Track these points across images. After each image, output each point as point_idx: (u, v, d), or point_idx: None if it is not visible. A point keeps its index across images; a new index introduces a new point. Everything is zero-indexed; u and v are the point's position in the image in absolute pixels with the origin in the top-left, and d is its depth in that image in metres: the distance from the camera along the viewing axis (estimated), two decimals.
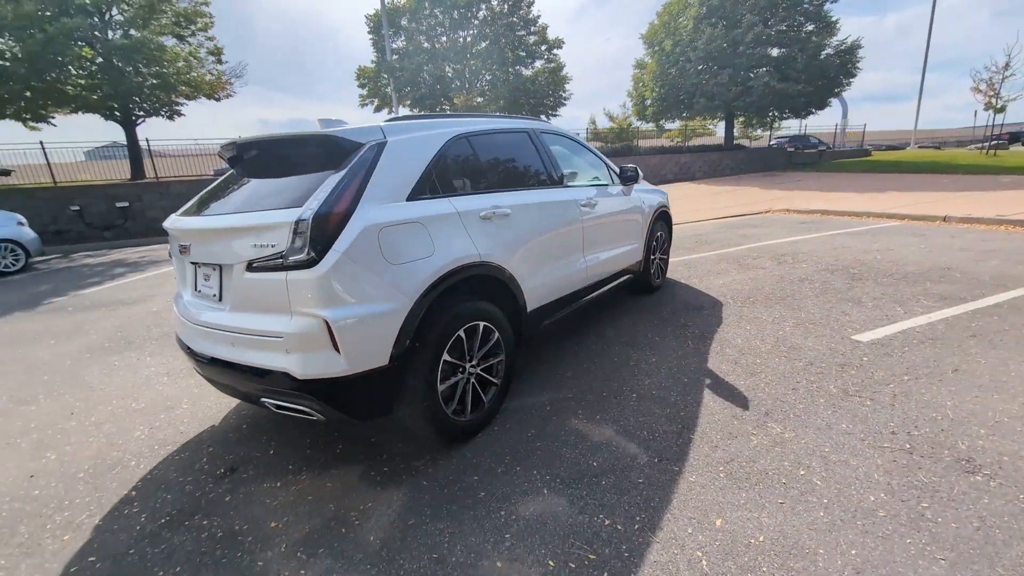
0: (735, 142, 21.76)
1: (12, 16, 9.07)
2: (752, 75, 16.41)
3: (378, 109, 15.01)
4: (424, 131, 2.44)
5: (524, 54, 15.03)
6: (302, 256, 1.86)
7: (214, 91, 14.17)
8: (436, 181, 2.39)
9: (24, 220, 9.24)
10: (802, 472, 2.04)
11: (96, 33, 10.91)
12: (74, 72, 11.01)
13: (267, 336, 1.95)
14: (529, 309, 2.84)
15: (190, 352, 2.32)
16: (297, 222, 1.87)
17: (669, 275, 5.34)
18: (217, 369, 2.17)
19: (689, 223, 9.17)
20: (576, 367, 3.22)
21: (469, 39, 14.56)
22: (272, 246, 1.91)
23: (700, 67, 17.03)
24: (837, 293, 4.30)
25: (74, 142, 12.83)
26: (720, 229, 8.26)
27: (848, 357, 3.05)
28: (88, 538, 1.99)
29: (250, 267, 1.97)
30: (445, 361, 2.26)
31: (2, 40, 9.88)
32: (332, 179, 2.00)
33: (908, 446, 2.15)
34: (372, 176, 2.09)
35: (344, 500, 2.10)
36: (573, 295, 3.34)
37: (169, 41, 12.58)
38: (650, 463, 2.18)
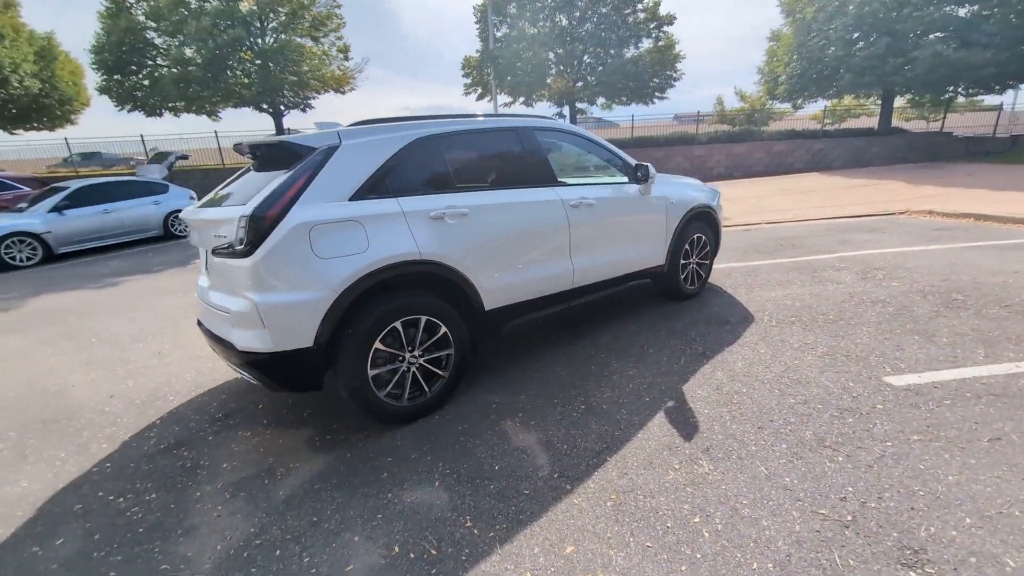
0: (893, 125, 17.95)
1: (195, 30, 11.49)
2: (918, 42, 13.16)
3: (480, 98, 15.60)
4: (384, 135, 2.62)
5: (628, 34, 14.16)
6: (241, 247, 2.20)
7: (340, 85, 16.13)
8: (388, 182, 2.56)
9: (195, 195, 11.64)
10: (696, 520, 1.83)
11: (252, 40, 13.16)
12: (238, 73, 13.51)
13: (223, 311, 2.36)
14: (488, 308, 2.90)
15: (199, 323, 2.87)
16: (239, 218, 2.21)
17: (719, 282, 4.85)
18: (207, 337, 2.68)
19: (786, 223, 8.03)
20: (547, 370, 3.20)
21: (572, 22, 14.17)
22: (225, 237, 2.28)
23: (849, 36, 14.23)
24: (909, 322, 3.51)
25: (241, 132, 15.71)
26: (821, 232, 7.10)
27: (859, 402, 2.54)
28: (114, 449, 2.65)
29: (214, 252, 2.38)
30: (378, 349, 2.46)
31: (190, 50, 12.53)
32: (277, 181, 2.30)
33: (849, 518, 1.78)
34: (315, 178, 2.34)
35: (282, 457, 2.46)
36: (555, 297, 3.29)
37: (306, 42, 14.68)
38: (548, 477, 2.15)
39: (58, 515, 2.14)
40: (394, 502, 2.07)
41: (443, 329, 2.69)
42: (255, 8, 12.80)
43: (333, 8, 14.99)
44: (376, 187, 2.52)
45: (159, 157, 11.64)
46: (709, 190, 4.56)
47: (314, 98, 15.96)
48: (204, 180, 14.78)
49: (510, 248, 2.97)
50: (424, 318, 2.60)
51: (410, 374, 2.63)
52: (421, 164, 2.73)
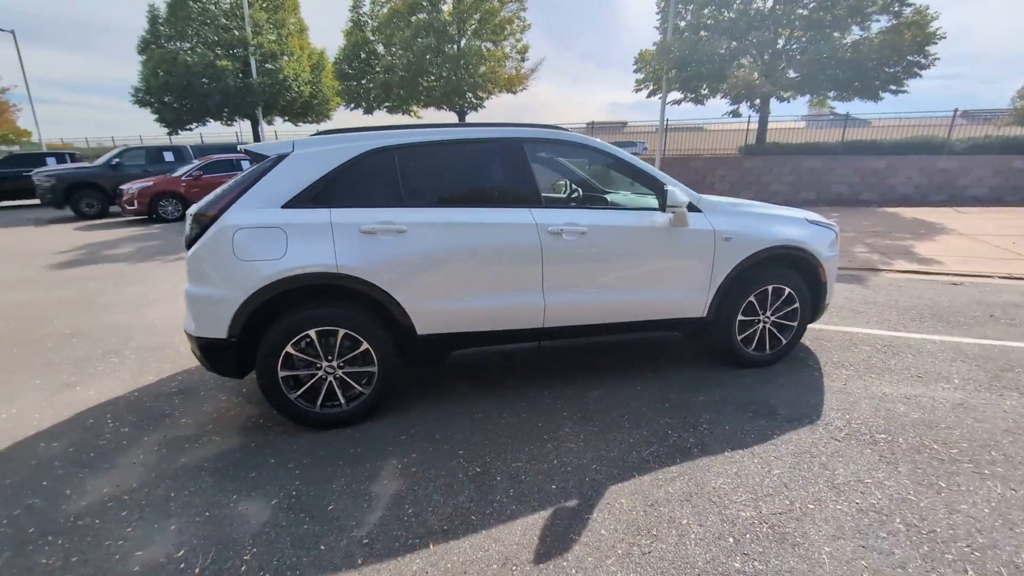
0: None
1: (399, 40, 13.59)
2: None
3: (652, 94, 14.42)
4: (336, 144, 2.63)
5: (851, 14, 10.86)
6: (187, 239, 2.51)
7: (512, 86, 16.94)
8: (331, 192, 2.57)
9: None
10: None
11: (441, 47, 14.83)
12: (430, 78, 15.48)
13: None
14: (421, 332, 2.69)
15: None
16: (188, 215, 2.52)
17: (824, 352, 3.54)
18: None
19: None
20: (491, 414, 2.81)
21: (776, 2, 11.69)
22: (188, 230, 2.62)
23: None
24: None
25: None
26: None
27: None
28: (143, 384, 3.37)
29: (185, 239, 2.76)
30: (289, 353, 2.54)
31: (396, 58, 14.90)
32: (225, 185, 2.53)
33: None
34: (256, 184, 2.51)
35: (214, 429, 2.77)
36: (517, 333, 2.86)
37: (487, 46, 15.81)
38: (356, 539, 1.90)
39: (61, 426, 2.85)
40: (228, 505, 2.13)
41: (364, 345, 2.61)
42: (449, 18, 14.45)
43: (519, 11, 15.83)
44: (317, 196, 2.56)
45: None
46: (811, 226, 3.30)
47: (487, 99, 17.26)
48: None
49: (454, 272, 2.68)
50: (342, 331, 2.57)
51: (326, 383, 2.64)
52: (370, 176, 2.66)
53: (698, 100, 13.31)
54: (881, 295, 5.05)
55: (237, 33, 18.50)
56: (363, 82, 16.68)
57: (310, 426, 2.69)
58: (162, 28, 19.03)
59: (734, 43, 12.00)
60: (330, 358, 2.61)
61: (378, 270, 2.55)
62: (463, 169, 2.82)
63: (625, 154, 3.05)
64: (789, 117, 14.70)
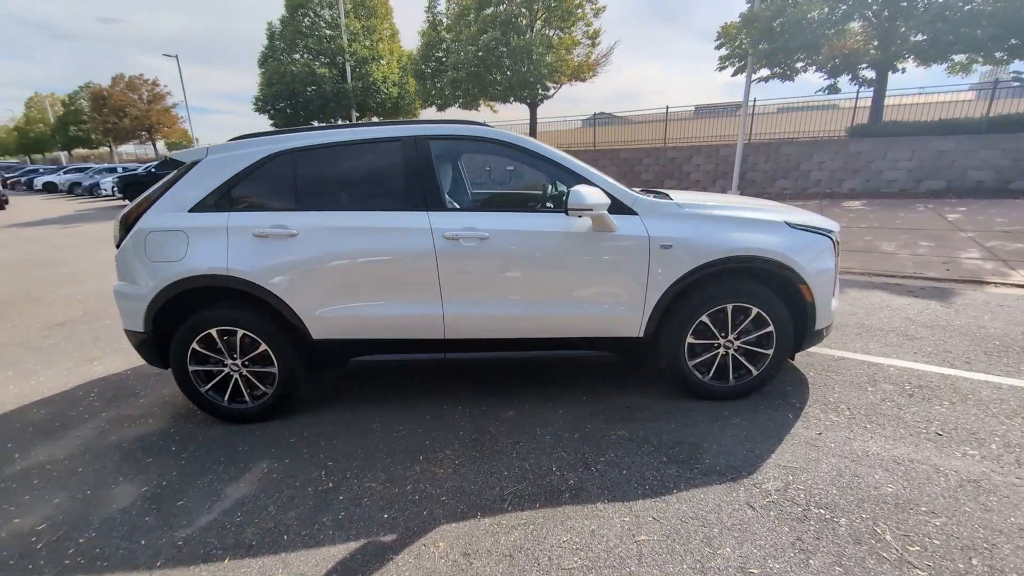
0: None
1: (466, 36, 13.70)
2: None
3: (737, 72, 12.73)
4: (243, 149, 2.69)
5: None
6: (117, 242, 2.76)
7: (580, 74, 16.13)
8: (234, 196, 2.65)
9: None
10: None
11: (506, 39, 14.64)
12: (494, 71, 15.44)
13: None
14: (316, 337, 2.67)
15: None
16: (117, 218, 2.77)
17: (828, 394, 2.86)
18: None
19: None
20: (391, 430, 2.70)
21: None
22: (116, 232, 2.87)
23: None
24: None
25: (507, 122, 18.03)
26: None
27: None
28: (139, 364, 3.83)
29: None
30: (195, 349, 2.69)
31: (465, 53, 15.13)
32: (149, 190, 2.74)
33: None
34: (169, 189, 2.67)
35: (167, 405, 3.05)
36: (418, 343, 2.71)
37: (555, 34, 15.25)
38: (165, 537, 1.94)
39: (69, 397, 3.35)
40: (110, 487, 2.32)
41: (263, 347, 2.67)
42: (518, 8, 14.24)
43: None
44: (220, 201, 2.65)
45: None
46: (791, 232, 2.63)
47: (555, 89, 16.69)
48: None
49: (346, 278, 2.61)
50: (240, 331, 2.65)
51: (232, 380, 2.76)
52: (270, 180, 2.68)
53: (787, 75, 11.46)
54: (961, 317, 3.92)
55: (336, 43, 20.26)
56: (434, 82, 17.28)
57: (222, 419, 2.83)
58: (278, 43, 21.58)
59: (842, 5, 10.05)
60: (234, 356, 2.71)
61: (268, 274, 2.57)
62: (360, 171, 2.72)
63: (545, 148, 2.69)
64: (909, 90, 11.93)
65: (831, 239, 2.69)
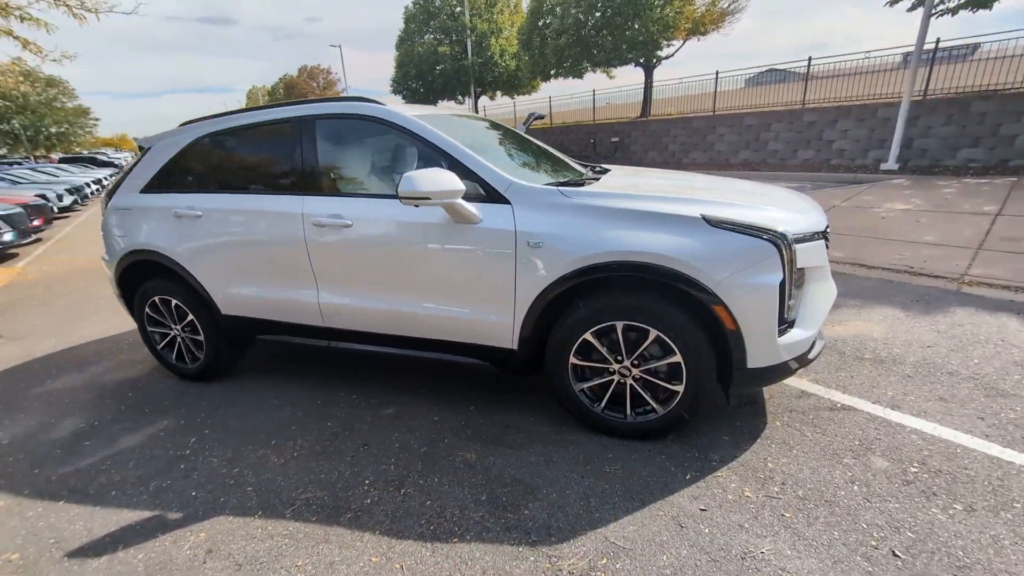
0: None
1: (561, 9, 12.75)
2: None
3: (914, 7, 9.47)
4: (181, 134, 2.92)
5: None
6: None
7: (702, 28, 13.62)
8: (169, 178, 2.92)
9: None
10: None
11: None
12: (600, 32, 14.05)
13: None
14: (224, 312, 2.85)
15: None
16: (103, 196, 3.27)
17: (761, 452, 2.12)
18: None
19: None
20: (280, 409, 2.80)
21: None
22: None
23: None
24: None
25: (616, 88, 16.72)
26: None
27: None
28: None
29: None
30: (148, 313, 3.10)
31: (568, 17, 14.12)
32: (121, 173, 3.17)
33: None
34: (130, 173, 3.06)
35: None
36: (303, 328, 2.71)
37: None
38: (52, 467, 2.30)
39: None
40: (52, 418, 2.85)
41: (190, 316, 2.96)
42: None
43: None
44: (161, 183, 2.95)
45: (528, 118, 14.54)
46: (708, 230, 1.90)
47: (672, 46, 14.48)
48: (567, 135, 17.19)
49: (238, 258, 2.71)
50: (174, 301, 2.97)
51: (176, 343, 3.12)
52: (195, 162, 2.88)
53: (982, 1, 8.15)
54: None
55: (459, 20, 20.91)
56: (542, 50, 16.64)
57: (174, 374, 3.24)
58: (412, 25, 23.14)
59: None
60: (175, 323, 3.06)
61: (182, 251, 2.81)
62: (258, 153, 2.75)
63: (422, 128, 2.33)
64: None
65: (777, 245, 1.87)
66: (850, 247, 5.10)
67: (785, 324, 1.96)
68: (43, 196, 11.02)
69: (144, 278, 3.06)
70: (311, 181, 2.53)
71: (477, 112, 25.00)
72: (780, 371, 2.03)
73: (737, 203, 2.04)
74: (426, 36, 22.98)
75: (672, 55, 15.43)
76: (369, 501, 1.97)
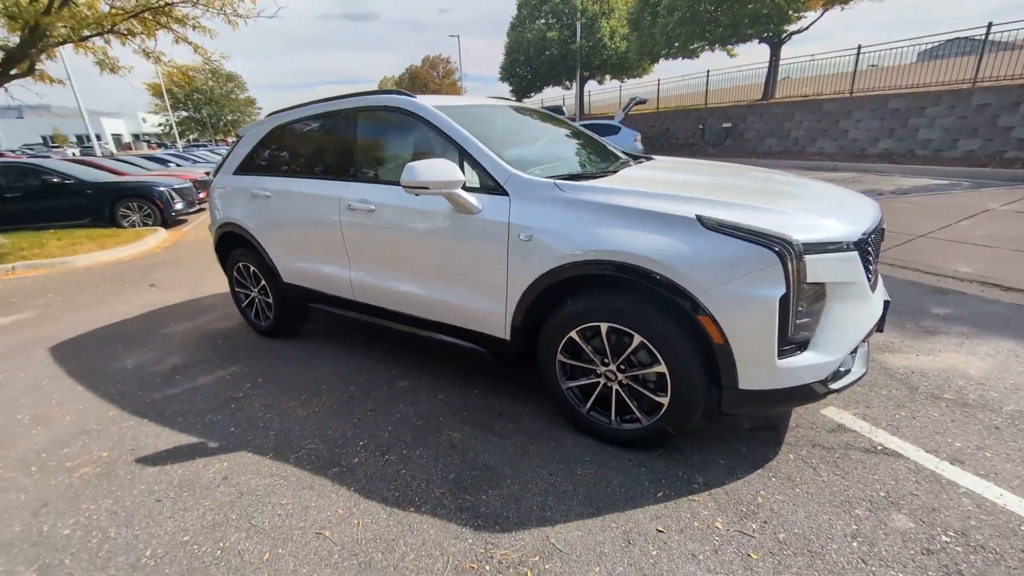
0: None
1: None
2: None
3: None
4: (263, 125, 3.39)
5: None
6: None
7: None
8: (252, 162, 3.42)
9: (639, 136, 13.28)
10: None
11: None
12: (712, 8, 12.58)
13: None
14: (284, 280, 3.28)
15: None
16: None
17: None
18: None
19: None
20: (314, 372, 3.17)
21: None
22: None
23: None
24: None
25: (732, 68, 15.14)
26: None
27: None
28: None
29: None
30: (235, 277, 3.70)
31: None
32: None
33: None
34: (228, 157, 3.63)
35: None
36: (341, 300, 3.01)
37: None
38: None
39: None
40: (116, 359, 3.55)
41: (263, 282, 3.48)
42: None
43: None
44: (246, 166, 3.47)
45: (628, 104, 13.84)
46: (701, 233, 1.72)
47: (799, 19, 12.35)
48: (675, 120, 16.04)
49: (294, 234, 3.09)
50: (252, 267, 3.50)
51: (256, 303, 3.68)
52: (269, 149, 3.33)
53: None
54: None
55: (570, 3, 20.53)
56: (651, 31, 15.55)
57: (253, 329, 3.84)
58: (523, 11, 23.29)
59: None
60: (253, 286, 3.61)
61: (256, 225, 3.29)
62: (313, 142, 3.07)
63: (437, 118, 2.41)
64: None
65: (779, 253, 1.62)
66: (985, 262, 4.14)
67: (791, 345, 1.71)
68: (210, 173, 13.47)
69: (233, 246, 3.65)
70: (350, 168, 2.79)
71: (582, 96, 24.50)
72: (783, 397, 1.79)
73: (743, 203, 1.82)
74: (538, 21, 22.97)
75: (806, 28, 13.47)
76: (356, 460, 2.19)
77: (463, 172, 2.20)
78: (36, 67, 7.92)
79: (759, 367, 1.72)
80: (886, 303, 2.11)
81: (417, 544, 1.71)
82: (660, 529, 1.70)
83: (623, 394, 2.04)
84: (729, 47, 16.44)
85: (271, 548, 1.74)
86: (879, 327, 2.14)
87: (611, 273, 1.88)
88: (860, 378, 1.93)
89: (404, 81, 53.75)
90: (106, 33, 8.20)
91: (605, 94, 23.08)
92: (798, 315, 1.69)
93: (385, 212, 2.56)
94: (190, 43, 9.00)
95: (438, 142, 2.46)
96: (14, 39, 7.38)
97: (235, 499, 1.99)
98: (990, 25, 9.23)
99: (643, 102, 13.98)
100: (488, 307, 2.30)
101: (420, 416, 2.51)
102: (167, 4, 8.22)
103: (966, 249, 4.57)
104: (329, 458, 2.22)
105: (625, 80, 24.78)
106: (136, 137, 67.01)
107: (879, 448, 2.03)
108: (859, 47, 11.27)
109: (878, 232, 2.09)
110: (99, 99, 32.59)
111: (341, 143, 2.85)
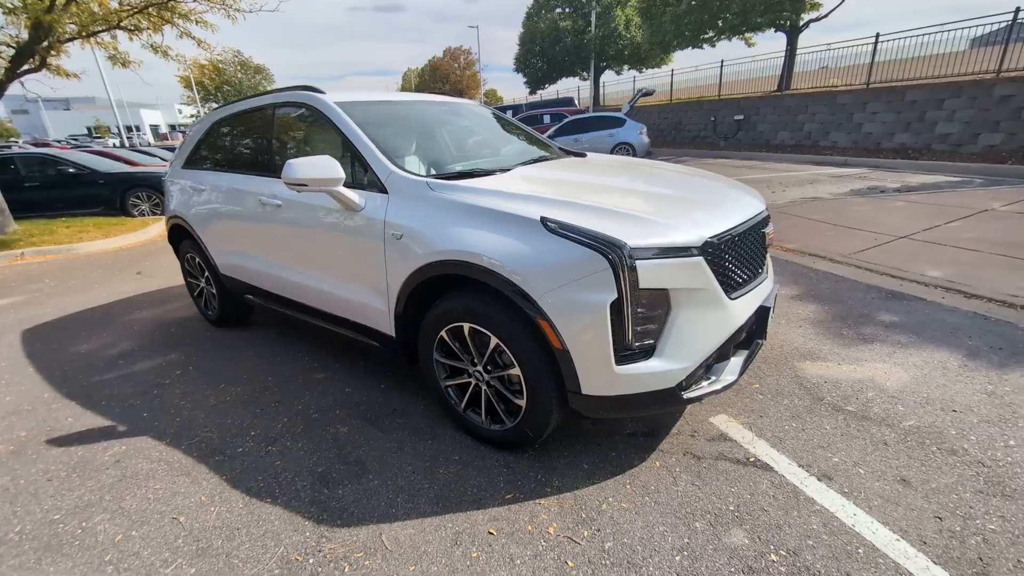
0: None
1: None
2: None
3: None
4: (204, 121, 3.48)
5: None
6: None
7: None
8: (196, 157, 3.53)
9: (644, 129, 12.98)
10: None
11: None
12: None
13: None
14: (221, 272, 3.37)
15: None
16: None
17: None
18: None
19: None
20: (239, 363, 3.26)
21: None
22: None
23: None
24: None
25: (745, 57, 14.57)
26: None
27: None
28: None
29: None
30: (185, 268, 3.84)
31: None
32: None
33: None
34: (179, 151, 3.75)
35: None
36: (267, 295, 3.08)
37: None
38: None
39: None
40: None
41: (207, 273, 3.59)
42: None
43: None
44: (191, 160, 3.58)
45: (636, 94, 13.51)
46: (541, 235, 1.68)
47: (818, 6, 11.59)
48: (684, 112, 15.59)
49: (223, 227, 3.18)
50: (197, 258, 3.62)
51: (203, 295, 3.81)
52: (206, 145, 3.42)
53: None
54: None
55: None
56: (660, 19, 15.05)
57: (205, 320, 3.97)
58: (539, 0, 22.96)
59: None
60: (200, 277, 3.73)
61: (192, 217, 3.40)
62: (242, 138, 3.13)
63: (340, 117, 2.41)
64: None
65: (609, 258, 1.57)
66: (958, 266, 3.90)
67: (630, 352, 1.67)
68: None
69: (181, 238, 3.77)
70: (267, 164, 2.85)
71: (598, 88, 24.04)
72: (634, 403, 1.75)
73: (595, 207, 1.77)
74: (554, 11, 22.62)
75: (824, 16, 12.81)
76: (241, 450, 2.26)
77: (361, 169, 2.24)
78: (48, 62, 8.30)
79: (599, 373, 1.68)
80: (763, 309, 2.02)
81: (258, 534, 1.76)
82: (492, 531, 1.70)
83: (491, 395, 2.04)
84: (748, 35, 15.82)
85: (126, 530, 1.82)
86: (760, 335, 2.06)
87: (463, 274, 1.86)
88: (727, 387, 1.87)
89: (426, 73, 53.95)
90: (113, 29, 8.50)
91: (620, 85, 22.57)
92: (637, 321, 1.64)
93: (290, 208, 2.60)
94: (193, 38, 9.26)
95: (334, 139, 2.47)
96: (23, 35, 7.74)
97: (116, 482, 2.09)
98: (1017, 11, 8.57)
99: (650, 93, 13.62)
100: (375, 304, 2.32)
101: (319, 408, 2.56)
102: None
103: (945, 252, 4.31)
104: (217, 446, 2.29)
105: (642, 71, 24.22)
106: (172, 128, 69.64)
107: (751, 460, 1.96)
108: (877, 35, 10.65)
109: (749, 234, 1.99)
110: (145, 92, 34.05)
111: (261, 139, 2.92)
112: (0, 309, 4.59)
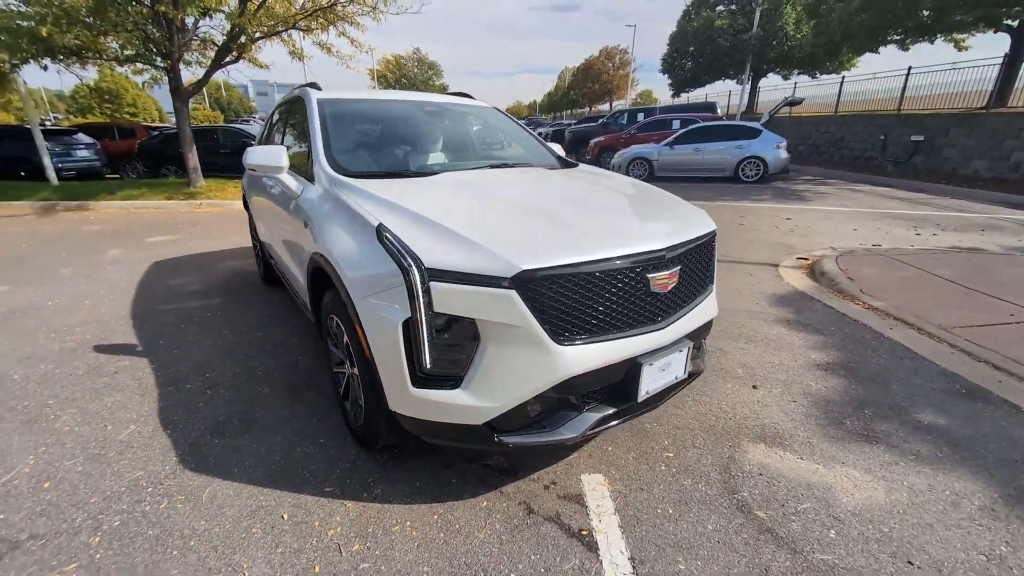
0: None
1: None
2: None
3: None
4: (276, 107, 4.09)
5: None
6: None
7: None
8: (262, 139, 4.18)
9: (783, 143, 11.31)
10: None
11: None
12: None
13: None
14: (260, 239, 3.97)
15: None
16: None
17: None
18: None
19: None
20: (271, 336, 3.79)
21: None
22: None
23: None
24: None
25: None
26: None
27: None
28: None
29: None
30: (253, 233, 4.59)
31: None
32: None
33: None
34: (258, 135, 4.47)
35: None
36: (278, 268, 3.53)
37: None
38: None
39: None
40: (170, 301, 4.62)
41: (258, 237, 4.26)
42: None
43: None
44: (260, 142, 4.24)
45: (780, 103, 11.64)
46: (371, 246, 1.66)
47: None
48: (854, 127, 13.07)
49: (256, 201, 3.73)
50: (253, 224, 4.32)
51: (259, 254, 4.52)
52: (269, 127, 4.00)
53: None
54: None
55: None
56: (828, 19, 12.48)
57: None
58: None
59: None
60: (257, 239, 4.44)
61: (247, 191, 4.04)
62: (281, 125, 3.56)
63: (312, 113, 2.65)
64: None
65: (405, 274, 1.48)
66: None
67: (428, 376, 1.57)
68: None
69: (246, 208, 4.52)
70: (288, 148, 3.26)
71: (754, 93, 21.48)
72: (443, 432, 1.65)
73: (437, 219, 1.68)
74: (716, 8, 20.77)
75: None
76: (188, 387, 2.68)
77: (311, 159, 2.48)
78: (244, 56, 10.45)
79: (398, 391, 1.63)
80: (634, 364, 1.69)
81: (138, 456, 2.10)
82: (285, 516, 1.77)
83: (354, 388, 2.09)
84: (960, 36, 12.53)
85: (73, 425, 2.32)
86: (630, 396, 1.75)
87: (323, 267, 1.94)
88: (560, 442, 1.65)
89: (579, 72, 54.11)
90: (290, 29, 10.34)
91: (779, 92, 19.79)
92: (436, 347, 1.54)
93: (274, 189, 2.97)
94: (348, 37, 10.78)
95: (306, 130, 2.74)
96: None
97: (101, 387, 2.66)
98: None
99: (797, 103, 11.69)
100: (304, 283, 2.53)
101: (268, 369, 2.89)
102: (331, 4, 10.00)
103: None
104: (177, 380, 2.75)
105: (816, 76, 20.93)
106: None
107: (582, 533, 1.69)
108: None
109: (622, 274, 1.64)
110: (347, 78, 40.70)
111: (283, 128, 3.35)
112: (156, 243, 6.03)
